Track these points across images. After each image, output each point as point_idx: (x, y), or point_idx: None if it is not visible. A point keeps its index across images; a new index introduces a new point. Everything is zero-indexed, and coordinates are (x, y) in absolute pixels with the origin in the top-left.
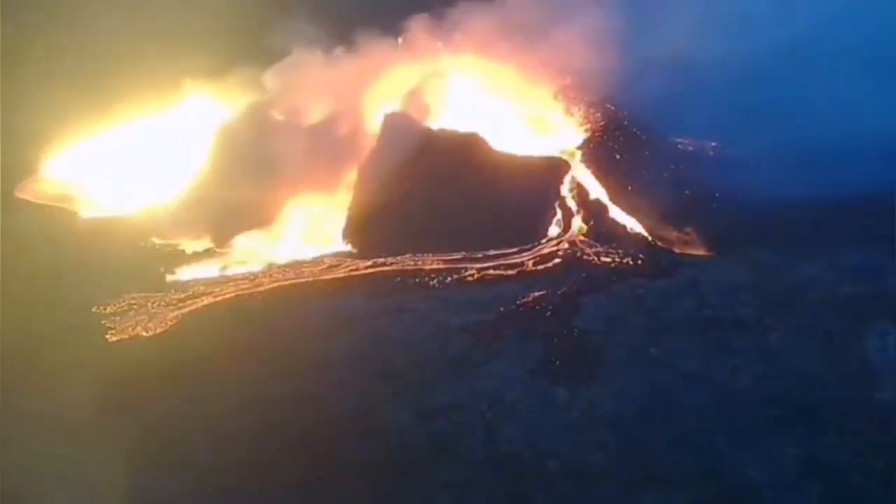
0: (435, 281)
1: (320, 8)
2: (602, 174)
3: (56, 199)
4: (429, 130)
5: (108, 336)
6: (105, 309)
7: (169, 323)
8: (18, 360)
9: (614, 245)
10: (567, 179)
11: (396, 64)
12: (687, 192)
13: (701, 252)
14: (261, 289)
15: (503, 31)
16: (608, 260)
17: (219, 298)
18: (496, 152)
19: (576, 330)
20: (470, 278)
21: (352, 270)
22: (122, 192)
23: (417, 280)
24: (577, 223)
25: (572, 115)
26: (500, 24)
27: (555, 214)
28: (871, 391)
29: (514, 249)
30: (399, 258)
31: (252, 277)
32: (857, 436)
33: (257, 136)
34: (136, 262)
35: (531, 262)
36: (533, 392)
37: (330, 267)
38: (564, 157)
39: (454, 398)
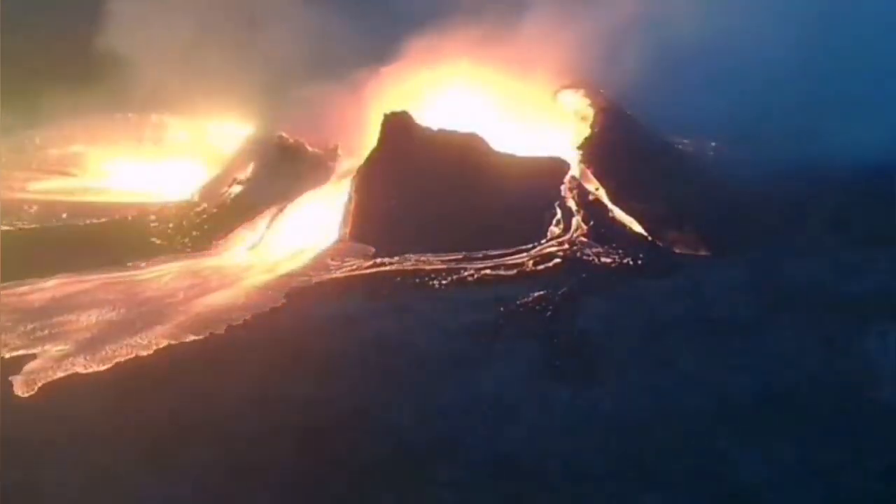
0: (435, 281)
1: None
2: (602, 174)
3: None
4: (429, 131)
5: None
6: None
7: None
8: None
9: (614, 245)
10: (567, 179)
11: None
12: (686, 192)
13: (701, 252)
14: (261, 289)
15: (503, 32)
16: (608, 260)
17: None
18: (496, 152)
19: (576, 330)
20: (470, 278)
21: (352, 270)
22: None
23: (417, 280)
24: (577, 223)
25: (572, 115)
26: (499, 25)
27: (555, 214)
28: (871, 391)
29: (514, 249)
30: (399, 258)
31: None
32: (857, 436)
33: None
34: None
35: (531, 262)
36: (533, 392)
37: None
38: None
39: (454, 398)
